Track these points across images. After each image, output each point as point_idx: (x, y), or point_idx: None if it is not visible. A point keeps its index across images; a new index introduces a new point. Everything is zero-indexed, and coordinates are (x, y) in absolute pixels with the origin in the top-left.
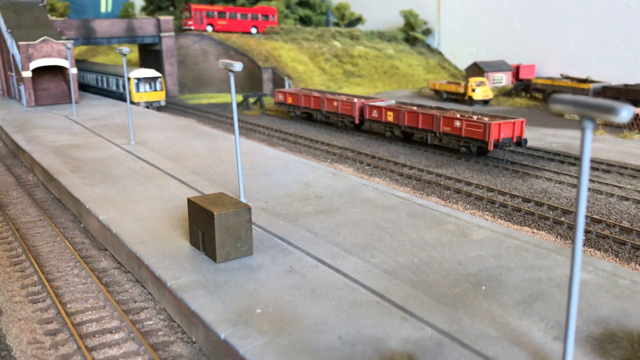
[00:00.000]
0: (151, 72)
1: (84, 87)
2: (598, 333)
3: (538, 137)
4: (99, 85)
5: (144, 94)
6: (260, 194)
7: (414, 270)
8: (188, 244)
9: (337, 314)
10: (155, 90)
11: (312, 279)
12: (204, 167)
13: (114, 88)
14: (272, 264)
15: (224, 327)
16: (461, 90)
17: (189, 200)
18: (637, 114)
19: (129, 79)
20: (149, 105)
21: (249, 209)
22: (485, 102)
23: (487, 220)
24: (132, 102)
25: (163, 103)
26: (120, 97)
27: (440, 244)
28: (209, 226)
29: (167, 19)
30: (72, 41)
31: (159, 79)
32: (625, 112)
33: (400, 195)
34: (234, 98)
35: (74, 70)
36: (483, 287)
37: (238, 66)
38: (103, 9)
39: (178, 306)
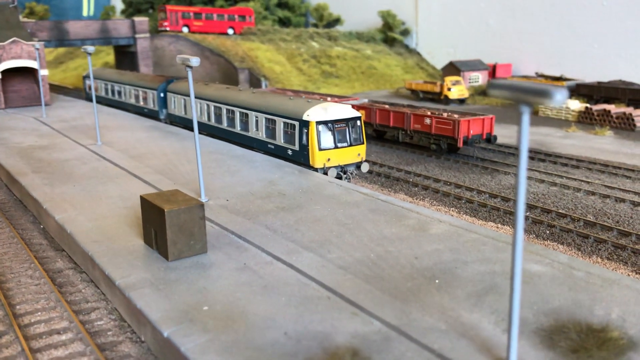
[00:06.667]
0: (342, 110)
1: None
2: (548, 325)
3: (511, 134)
4: (215, 124)
5: (334, 153)
6: (222, 192)
7: (369, 265)
8: (142, 242)
9: (286, 310)
10: (350, 144)
11: (265, 275)
12: (168, 167)
13: (259, 135)
14: (225, 261)
15: (167, 325)
16: (437, 89)
17: (141, 198)
18: (609, 111)
19: (307, 123)
20: (341, 172)
21: (201, 205)
22: (461, 101)
23: (452, 215)
24: (313, 168)
25: (365, 168)
26: (278, 154)
27: (398, 239)
28: (160, 223)
29: (142, 20)
30: (42, 42)
31: (357, 121)
32: (559, 96)
33: (364, 192)
34: (192, 95)
35: (44, 72)
36: (437, 281)
37: (195, 61)
38: (85, 13)
39: (127, 305)
